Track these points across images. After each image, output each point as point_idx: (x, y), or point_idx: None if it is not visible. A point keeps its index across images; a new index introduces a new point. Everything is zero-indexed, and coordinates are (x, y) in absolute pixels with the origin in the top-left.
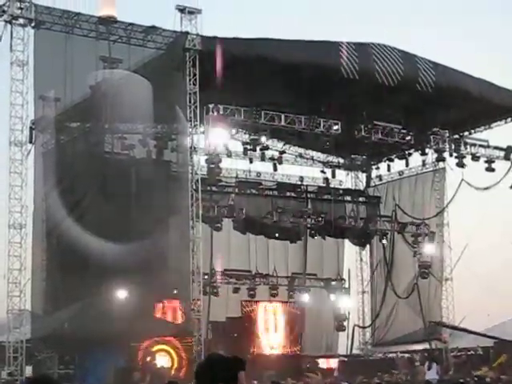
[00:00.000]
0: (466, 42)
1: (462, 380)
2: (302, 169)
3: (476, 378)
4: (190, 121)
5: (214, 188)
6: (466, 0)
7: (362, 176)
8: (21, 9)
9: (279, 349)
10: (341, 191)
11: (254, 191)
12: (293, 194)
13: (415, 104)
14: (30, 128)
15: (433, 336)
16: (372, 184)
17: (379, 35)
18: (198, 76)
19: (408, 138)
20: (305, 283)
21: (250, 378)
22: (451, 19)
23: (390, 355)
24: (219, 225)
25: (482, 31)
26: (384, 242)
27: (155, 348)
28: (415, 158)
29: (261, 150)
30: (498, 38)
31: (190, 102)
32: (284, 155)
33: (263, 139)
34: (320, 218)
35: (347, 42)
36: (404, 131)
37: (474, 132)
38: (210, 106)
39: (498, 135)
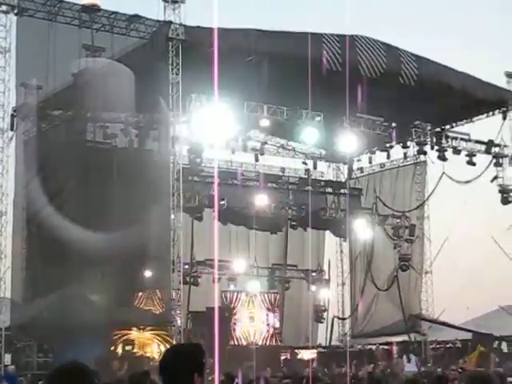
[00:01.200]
0: (450, 38)
1: (441, 372)
2: (284, 160)
3: (460, 370)
4: (172, 110)
5: (195, 178)
6: None
7: (344, 168)
8: None
9: (258, 339)
10: (322, 183)
11: (235, 182)
12: (274, 185)
13: (397, 97)
14: (12, 115)
15: (412, 329)
16: (353, 176)
17: (362, 27)
18: (180, 66)
19: (390, 130)
20: (285, 274)
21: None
22: (435, 15)
23: (369, 347)
24: (200, 215)
25: (466, 27)
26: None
27: (134, 337)
28: (397, 151)
29: (243, 140)
30: (482, 35)
31: (172, 91)
32: (266, 146)
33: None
34: (301, 210)
35: (330, 34)
36: (386, 124)
37: (456, 125)
38: (193, 95)
39: (479, 129)
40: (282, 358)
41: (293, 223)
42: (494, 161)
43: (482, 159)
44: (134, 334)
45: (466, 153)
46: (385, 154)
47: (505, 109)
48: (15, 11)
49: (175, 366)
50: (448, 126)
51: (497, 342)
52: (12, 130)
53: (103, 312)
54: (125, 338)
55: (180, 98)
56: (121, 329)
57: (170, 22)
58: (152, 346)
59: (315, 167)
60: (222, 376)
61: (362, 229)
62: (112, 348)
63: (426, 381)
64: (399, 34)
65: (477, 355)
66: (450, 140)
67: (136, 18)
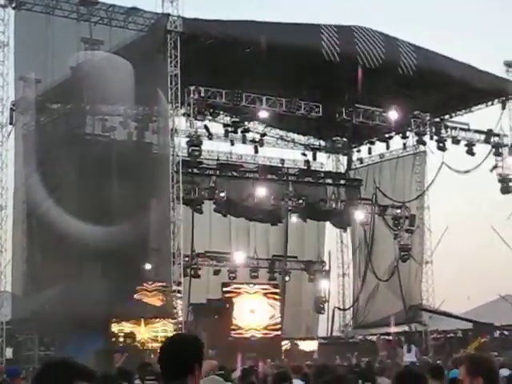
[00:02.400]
0: (448, 29)
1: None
2: (283, 151)
3: None
4: (171, 103)
5: (194, 170)
6: None
7: (343, 159)
8: None
9: (259, 331)
10: (322, 174)
11: (235, 173)
12: (274, 177)
13: (396, 87)
14: (11, 109)
15: (413, 319)
16: (353, 167)
17: (360, 18)
18: (179, 58)
19: (389, 121)
20: (286, 265)
21: (231, 360)
22: (432, 5)
23: (370, 337)
24: (200, 207)
25: (465, 17)
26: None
27: (135, 330)
28: (396, 141)
29: (242, 132)
30: (481, 24)
31: (171, 83)
32: (265, 138)
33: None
34: (301, 201)
35: (328, 25)
36: (385, 114)
37: (455, 115)
38: (191, 88)
39: (478, 119)
40: (283, 348)
41: (293, 214)
42: (494, 150)
43: (482, 149)
44: (134, 326)
45: (466, 142)
46: (384, 144)
47: (504, 98)
48: (13, 5)
49: (175, 355)
50: (447, 116)
51: (498, 332)
52: (11, 124)
53: (104, 305)
54: (126, 330)
55: (179, 90)
56: (121, 321)
57: (168, 15)
58: (153, 339)
59: (315, 158)
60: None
61: (362, 219)
62: (113, 340)
63: (422, 371)
64: (397, 25)
65: (477, 345)
66: (449, 130)
67: (134, 10)
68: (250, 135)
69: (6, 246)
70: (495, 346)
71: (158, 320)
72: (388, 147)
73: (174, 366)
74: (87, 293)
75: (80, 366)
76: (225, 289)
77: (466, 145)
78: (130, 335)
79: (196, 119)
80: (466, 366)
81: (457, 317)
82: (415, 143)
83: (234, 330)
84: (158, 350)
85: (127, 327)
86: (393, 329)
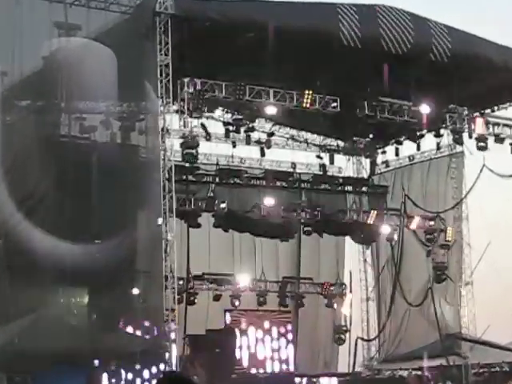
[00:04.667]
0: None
1: None
2: (295, 154)
3: None
4: (162, 98)
5: (190, 177)
6: None
7: (366, 162)
8: None
9: (269, 367)
10: (340, 180)
11: (237, 181)
12: (284, 184)
13: (428, 77)
14: None
15: (450, 350)
16: (377, 171)
17: None
18: (170, 45)
19: (419, 116)
20: (298, 289)
21: None
22: None
23: (400, 373)
24: (197, 221)
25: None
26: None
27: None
28: (428, 141)
29: (245, 132)
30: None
31: (161, 75)
32: (273, 138)
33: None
34: (316, 212)
35: (348, 4)
36: (415, 109)
37: (498, 109)
38: (185, 80)
39: None
40: None
41: (306, 228)
42: None
43: None
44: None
45: (511, 141)
46: (414, 144)
47: None
48: None
49: None
50: (489, 110)
51: None
52: None
53: (84, 338)
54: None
55: (170, 82)
56: (105, 358)
57: None
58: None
59: (332, 162)
60: None
61: (389, 234)
62: (95, 380)
63: None
64: (427, 5)
65: None
66: (490, 126)
67: None
68: (255, 135)
69: None
70: None
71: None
72: (419, 148)
73: None
74: (64, 323)
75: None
76: (227, 317)
77: (511, 144)
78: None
79: (191, 117)
80: None
81: (502, 347)
82: (451, 142)
83: (238, 365)
84: None
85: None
86: (426, 362)
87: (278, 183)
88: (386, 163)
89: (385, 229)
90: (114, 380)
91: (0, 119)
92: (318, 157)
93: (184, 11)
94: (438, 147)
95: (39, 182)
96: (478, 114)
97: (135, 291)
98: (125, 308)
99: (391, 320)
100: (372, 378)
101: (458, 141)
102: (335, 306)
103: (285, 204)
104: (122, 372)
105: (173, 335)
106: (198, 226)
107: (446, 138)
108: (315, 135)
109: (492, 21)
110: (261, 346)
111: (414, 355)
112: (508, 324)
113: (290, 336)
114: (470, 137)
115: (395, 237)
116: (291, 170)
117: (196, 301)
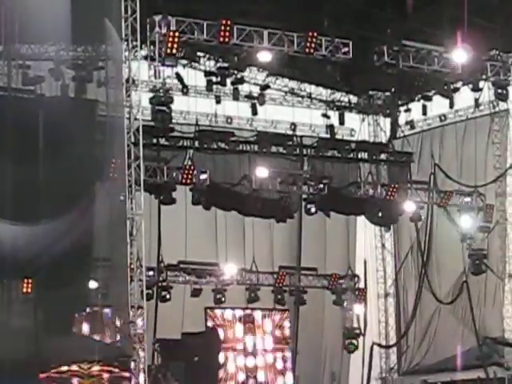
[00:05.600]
0: None
1: None
2: (295, 112)
3: None
4: (127, 40)
5: (162, 141)
6: None
7: (385, 122)
8: None
9: (260, 376)
10: (353, 145)
11: (222, 145)
12: (281, 150)
13: (463, 13)
14: None
15: (490, 359)
16: (399, 134)
17: None
18: None
19: (453, 65)
20: (299, 282)
21: None
22: None
23: None
24: (171, 196)
25: None
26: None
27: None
28: (465, 96)
29: (233, 84)
30: None
31: (125, 12)
32: (267, 92)
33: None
34: (321, 185)
35: None
36: (447, 55)
37: None
38: (156, 18)
39: None
40: None
41: (309, 206)
42: None
43: None
44: (75, 372)
45: None
46: (446, 100)
47: None
48: None
49: None
50: None
51: None
52: None
53: (30, 342)
54: (62, 377)
55: (138, 22)
56: (55, 366)
57: None
58: None
59: (342, 122)
60: None
61: (414, 213)
62: None
63: None
64: None
65: None
66: None
67: None
68: (244, 88)
69: None
70: None
71: (108, 363)
72: (452, 105)
73: None
74: (6, 326)
75: None
76: (209, 317)
77: None
78: None
79: (163, 65)
80: None
81: None
82: (493, 98)
83: (222, 377)
84: None
85: (64, 373)
86: (461, 375)
87: (274, 149)
88: (411, 124)
89: (409, 206)
90: None
91: None
92: (325, 116)
93: None
94: (477, 104)
95: None
96: None
97: (92, 284)
98: (79, 305)
99: (416, 321)
100: None
101: (502, 96)
102: (345, 303)
103: (282, 175)
104: None
105: (140, 340)
106: (173, 202)
107: (487, 92)
108: (321, 88)
109: None
110: (251, 353)
111: (445, 366)
112: None
113: (287, 341)
114: None
115: (422, 217)
116: (290, 132)
117: (169, 297)
